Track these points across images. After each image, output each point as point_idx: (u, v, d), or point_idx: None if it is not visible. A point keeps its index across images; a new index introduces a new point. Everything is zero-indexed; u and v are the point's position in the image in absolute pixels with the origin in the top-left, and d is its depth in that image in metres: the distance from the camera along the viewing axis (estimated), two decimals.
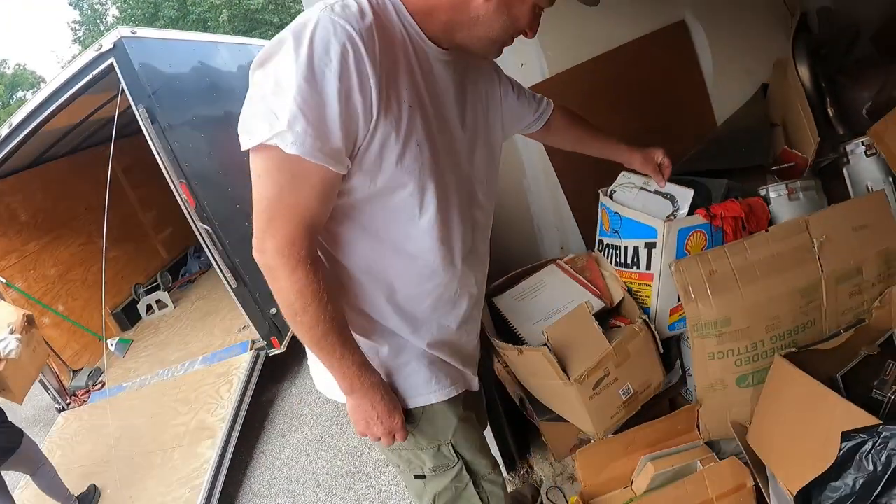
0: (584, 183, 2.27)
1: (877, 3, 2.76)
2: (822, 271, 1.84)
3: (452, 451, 1.45)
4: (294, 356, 4.38)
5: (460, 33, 1.16)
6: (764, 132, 2.29)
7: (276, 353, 4.15)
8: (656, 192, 1.90)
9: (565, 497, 2.28)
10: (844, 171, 2.26)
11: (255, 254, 1.12)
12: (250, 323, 4.08)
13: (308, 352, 1.29)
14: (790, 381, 1.68)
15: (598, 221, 2.08)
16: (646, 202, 1.91)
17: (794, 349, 1.77)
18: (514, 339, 1.98)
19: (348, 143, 1.07)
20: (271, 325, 4.02)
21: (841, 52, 2.54)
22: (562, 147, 1.81)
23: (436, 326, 1.36)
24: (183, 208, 3.67)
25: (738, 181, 2.09)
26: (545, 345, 1.78)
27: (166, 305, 6.00)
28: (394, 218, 1.20)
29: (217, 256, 3.74)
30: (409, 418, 1.36)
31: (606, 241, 2.05)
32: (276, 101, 1.01)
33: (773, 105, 2.52)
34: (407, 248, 1.24)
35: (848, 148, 2.21)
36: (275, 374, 4.51)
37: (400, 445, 1.40)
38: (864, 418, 1.40)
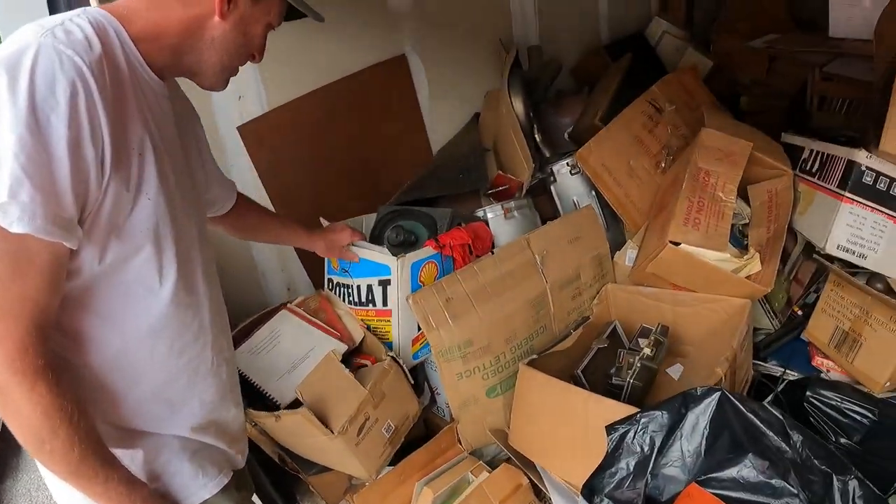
0: (305, 220, 2.22)
1: (575, 41, 3.11)
2: (547, 282, 1.97)
3: None
4: (8, 444, 3.59)
5: (188, 59, 1.03)
6: (479, 158, 2.41)
7: None
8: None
9: None
10: (552, 188, 2.49)
11: None
12: None
13: (45, 470, 1.01)
14: (538, 385, 1.75)
15: (326, 260, 1.99)
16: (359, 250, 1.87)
17: (534, 356, 1.87)
18: (262, 398, 1.79)
19: (77, 209, 0.85)
20: None
21: (546, 84, 2.79)
22: (239, 234, 1.62)
23: (197, 405, 1.15)
24: None
25: (456, 206, 2.17)
26: (300, 403, 1.64)
27: None
28: (131, 294, 0.99)
29: None
30: None
31: (336, 279, 1.98)
32: None
33: (484, 132, 2.69)
34: (151, 326, 1.03)
35: (554, 168, 2.43)
36: None
37: None
38: (614, 407, 1.54)
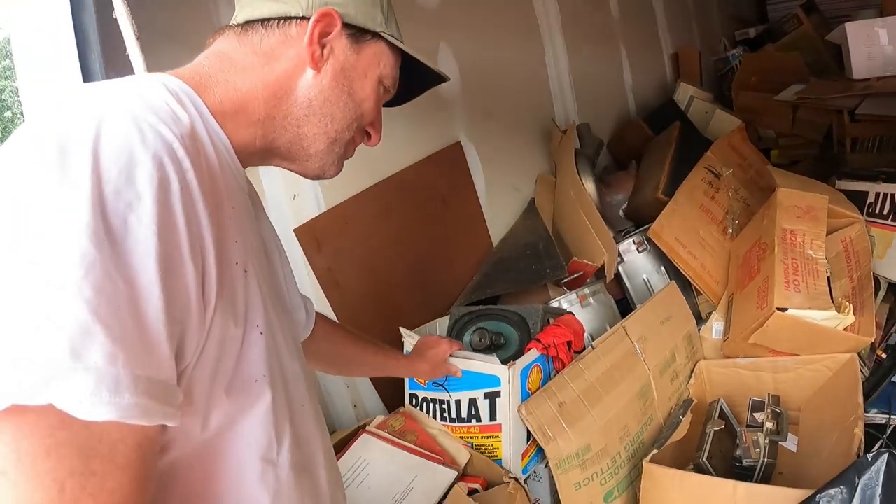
0: (372, 331, 2.13)
1: (609, 115, 3.12)
2: (649, 369, 1.88)
3: None
4: None
5: (283, 136, 0.79)
6: (549, 246, 2.35)
7: None
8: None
9: None
10: (620, 269, 2.41)
11: None
12: None
13: None
14: (670, 482, 1.61)
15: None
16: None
17: (654, 450, 1.74)
18: None
19: (175, 363, 0.57)
20: None
21: (594, 161, 2.78)
22: (328, 367, 1.36)
23: None
24: None
25: (522, 300, 2.09)
26: None
27: None
28: (244, 470, 0.69)
29: None
30: None
31: (424, 394, 1.84)
32: (28, 302, 0.49)
33: (543, 218, 2.63)
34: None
35: (621, 248, 2.36)
36: None
37: None
38: (775, 493, 1.43)
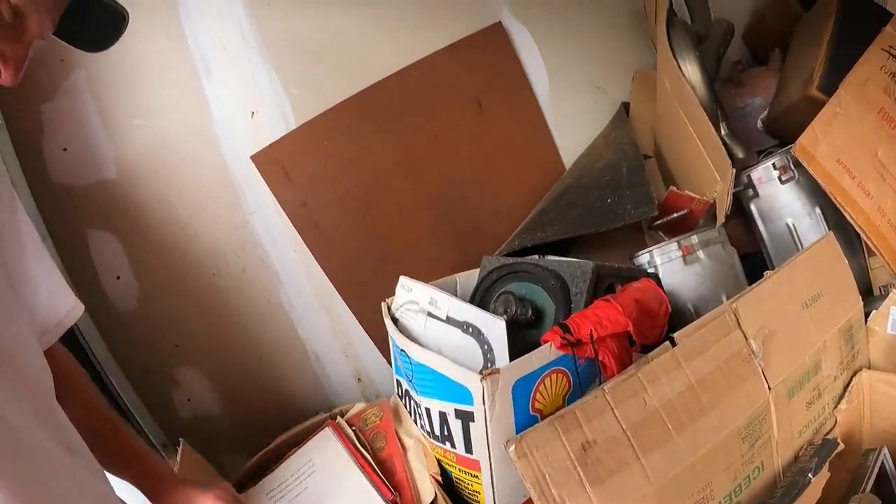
0: (369, 287, 1.63)
1: None
2: (770, 388, 1.10)
3: None
4: None
5: None
6: (638, 170, 1.59)
7: None
8: (449, 319, 1.12)
9: None
10: (752, 207, 1.63)
11: None
12: None
13: None
14: None
15: (392, 346, 1.27)
16: (438, 339, 1.12)
17: None
18: None
19: None
20: None
21: (717, 54, 1.88)
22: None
23: None
24: None
25: (602, 252, 1.38)
26: None
27: None
28: None
29: None
30: None
31: (405, 385, 1.25)
32: None
33: (639, 132, 1.83)
34: None
35: (753, 176, 1.57)
36: None
37: None
38: None
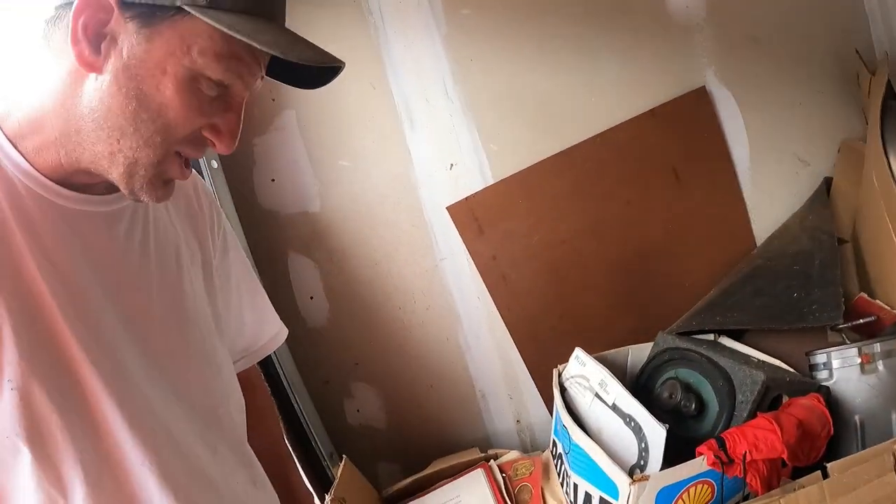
0: (543, 342, 1.70)
1: None
2: None
3: None
4: None
5: (83, 155, 0.65)
6: (831, 264, 1.47)
7: None
8: (614, 407, 1.14)
9: None
10: None
11: None
12: None
13: None
14: None
15: (554, 406, 1.33)
16: (599, 420, 1.15)
17: None
18: None
19: None
20: None
21: None
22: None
23: None
24: None
25: (775, 340, 1.35)
26: None
27: None
28: None
29: None
30: None
31: (559, 449, 1.31)
32: None
33: (841, 211, 1.69)
34: None
35: None
36: None
37: None
38: None
